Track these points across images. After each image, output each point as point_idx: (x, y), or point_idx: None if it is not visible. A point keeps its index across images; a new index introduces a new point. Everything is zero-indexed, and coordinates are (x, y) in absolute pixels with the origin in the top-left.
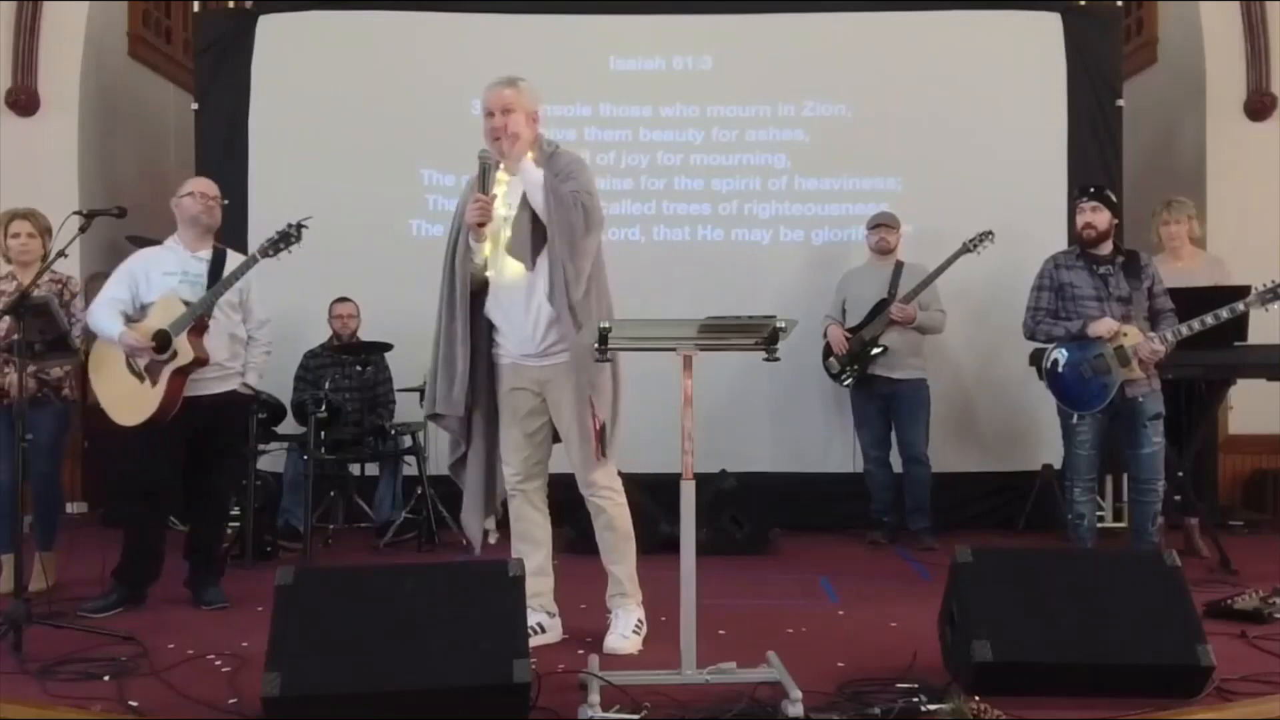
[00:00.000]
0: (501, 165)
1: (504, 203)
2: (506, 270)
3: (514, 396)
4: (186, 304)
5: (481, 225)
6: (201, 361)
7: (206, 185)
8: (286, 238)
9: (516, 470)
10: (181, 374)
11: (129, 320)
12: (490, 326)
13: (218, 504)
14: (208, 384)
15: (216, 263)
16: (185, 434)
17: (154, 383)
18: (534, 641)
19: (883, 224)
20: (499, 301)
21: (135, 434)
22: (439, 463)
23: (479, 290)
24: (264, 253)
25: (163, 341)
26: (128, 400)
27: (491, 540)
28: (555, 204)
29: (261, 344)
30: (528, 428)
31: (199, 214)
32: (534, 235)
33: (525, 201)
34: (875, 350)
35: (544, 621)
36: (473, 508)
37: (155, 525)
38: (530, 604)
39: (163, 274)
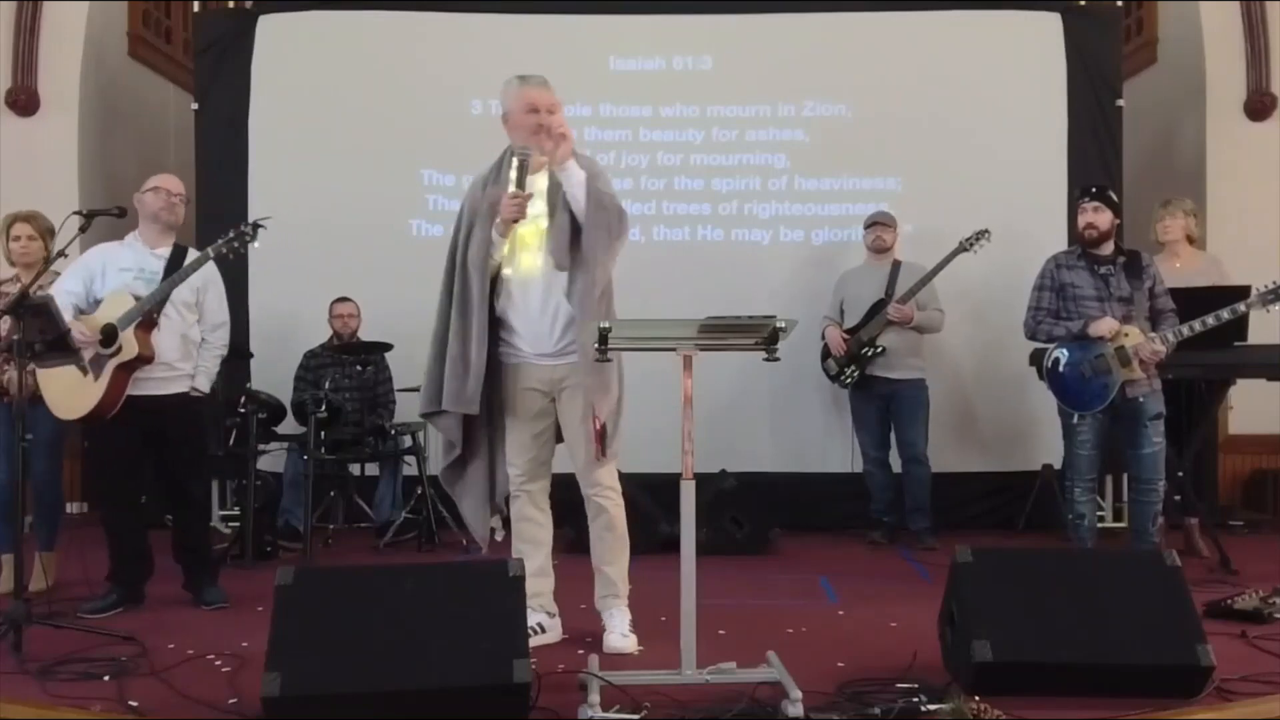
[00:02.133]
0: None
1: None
2: (523, 268)
3: (524, 396)
4: (137, 299)
5: (516, 222)
6: (147, 358)
7: (171, 181)
8: (241, 236)
9: (521, 471)
10: (125, 369)
11: (81, 314)
12: (497, 325)
13: (192, 502)
14: (155, 384)
15: (175, 261)
16: (136, 435)
17: (96, 377)
18: (534, 641)
19: (879, 223)
20: (513, 300)
21: (92, 437)
22: (439, 463)
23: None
24: (217, 251)
25: (108, 335)
26: (69, 394)
27: (498, 538)
28: (595, 206)
29: (215, 347)
30: (535, 428)
31: (159, 210)
32: (573, 236)
33: (564, 202)
34: (873, 351)
35: (544, 621)
36: (477, 507)
37: (131, 525)
38: (530, 604)
39: (119, 270)
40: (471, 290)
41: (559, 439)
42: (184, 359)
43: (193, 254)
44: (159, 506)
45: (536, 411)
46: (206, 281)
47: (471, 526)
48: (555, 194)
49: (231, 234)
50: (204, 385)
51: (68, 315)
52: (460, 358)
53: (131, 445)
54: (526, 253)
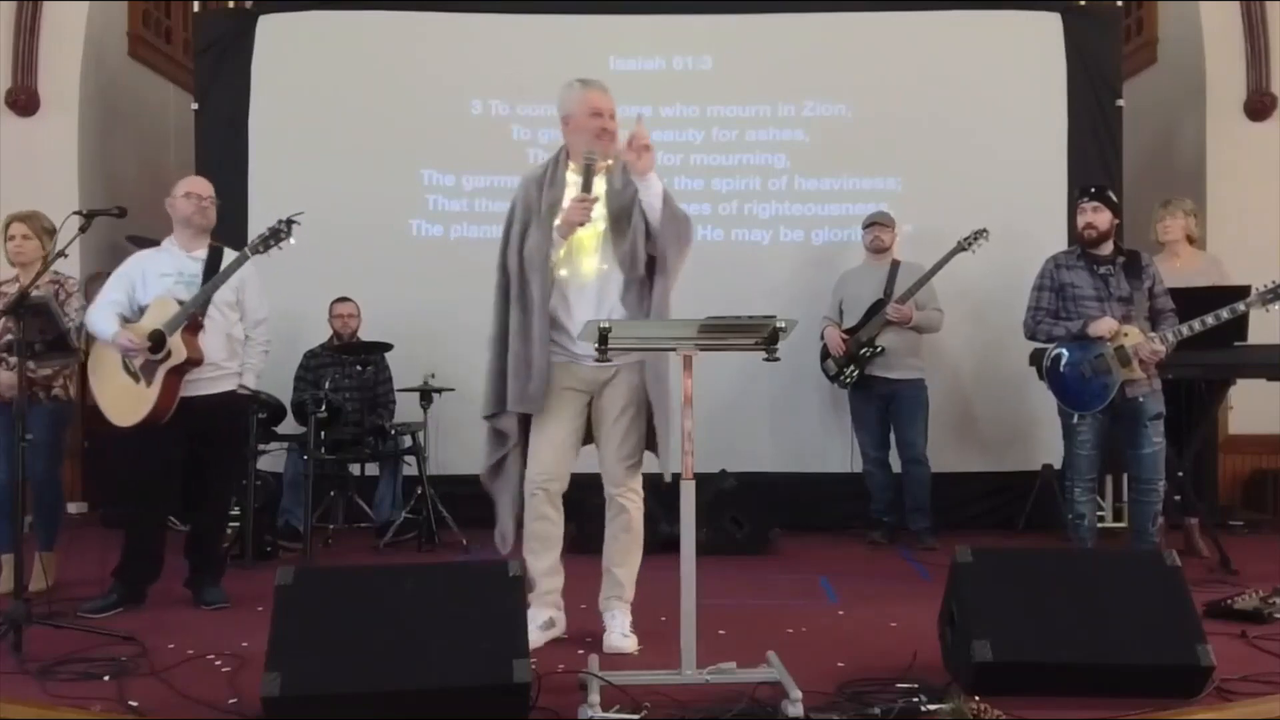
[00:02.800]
0: (570, 168)
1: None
2: (580, 271)
3: (564, 396)
4: (180, 303)
5: (581, 225)
6: (196, 361)
7: (201, 185)
8: (277, 234)
9: (545, 468)
10: (177, 373)
11: (126, 322)
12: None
13: (217, 504)
14: (204, 384)
15: (212, 262)
16: (182, 435)
17: (149, 383)
18: (549, 635)
19: (877, 223)
20: (567, 301)
21: (131, 435)
22: (439, 463)
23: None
24: (254, 249)
25: (157, 341)
26: (123, 401)
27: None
28: (670, 217)
29: (258, 344)
30: (570, 427)
31: (192, 215)
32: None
33: (640, 210)
34: (873, 351)
35: (554, 616)
36: (510, 504)
37: (153, 526)
38: (544, 600)
39: (159, 275)
40: (532, 291)
41: (586, 441)
42: (230, 358)
43: (229, 254)
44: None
45: (573, 411)
46: (244, 279)
47: (502, 523)
48: (615, 199)
49: (268, 231)
50: (251, 382)
51: (114, 325)
52: (523, 357)
53: (176, 447)
54: (584, 256)
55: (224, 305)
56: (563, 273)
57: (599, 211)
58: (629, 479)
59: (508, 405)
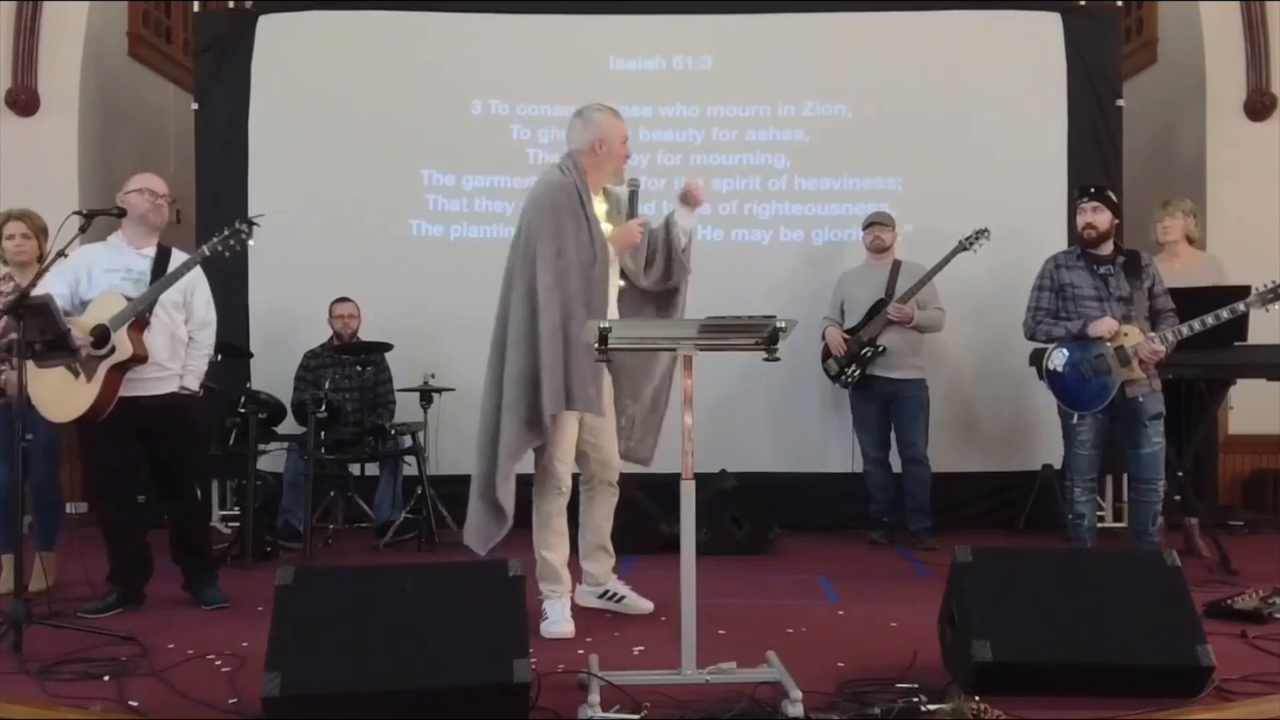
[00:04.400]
0: (604, 190)
1: (606, 221)
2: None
3: None
4: (128, 299)
5: (635, 246)
6: (141, 359)
7: (157, 182)
8: (236, 235)
9: (570, 467)
10: (119, 370)
11: (67, 315)
12: None
13: (187, 502)
14: (149, 384)
15: (160, 260)
16: (130, 434)
17: (89, 378)
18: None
19: (876, 223)
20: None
21: (90, 438)
22: (439, 463)
23: None
24: (212, 250)
25: (101, 336)
26: (60, 396)
27: None
28: (689, 244)
29: (202, 346)
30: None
31: (147, 212)
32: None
33: (672, 238)
34: (874, 351)
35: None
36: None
37: (130, 525)
38: (567, 590)
39: (104, 271)
40: (593, 306)
41: None
42: (173, 359)
43: (178, 255)
44: (158, 507)
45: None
46: (194, 281)
47: (500, 525)
48: (617, 219)
49: (226, 232)
50: (192, 384)
51: None
52: (582, 362)
53: (126, 445)
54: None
55: (170, 306)
56: None
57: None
58: (621, 465)
59: (572, 405)
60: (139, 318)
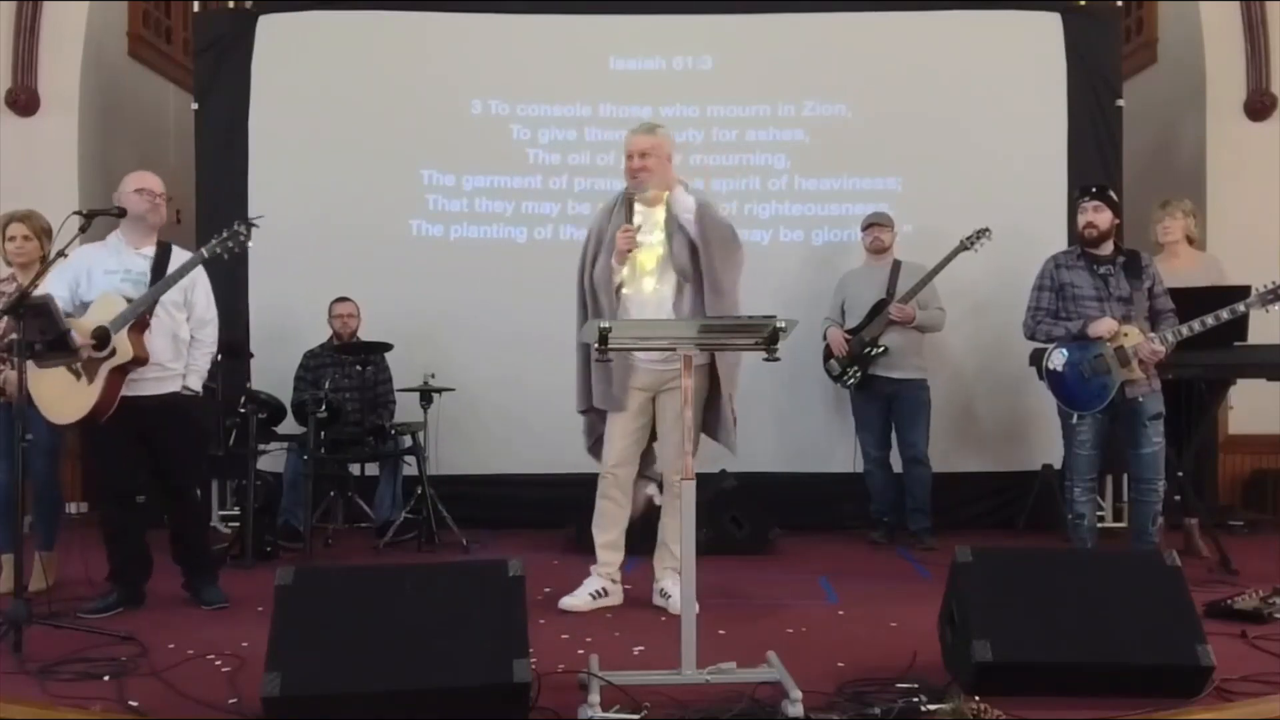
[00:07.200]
0: (638, 201)
1: (643, 231)
2: (642, 289)
3: (631, 395)
4: (129, 301)
5: (629, 251)
6: (141, 360)
7: (155, 182)
8: (235, 236)
9: (616, 455)
10: (120, 372)
11: (68, 317)
12: None
13: (188, 503)
14: (148, 385)
15: (160, 260)
16: (131, 435)
17: (90, 380)
18: (600, 603)
19: (876, 223)
20: (630, 315)
21: (92, 438)
22: (439, 463)
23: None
24: (211, 252)
25: (101, 338)
26: (62, 398)
27: (656, 501)
28: (710, 221)
29: (204, 345)
30: (637, 422)
31: (145, 212)
32: (692, 256)
33: (679, 229)
34: (875, 351)
35: (608, 587)
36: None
37: (131, 525)
38: (601, 571)
39: (104, 272)
40: (602, 309)
41: (653, 437)
42: (175, 359)
43: (178, 252)
44: (158, 507)
45: (638, 408)
46: (194, 280)
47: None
48: (672, 224)
49: (225, 234)
50: (195, 384)
51: None
52: (603, 365)
53: (128, 446)
54: (647, 276)
55: (171, 305)
56: (628, 291)
57: (660, 236)
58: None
59: (595, 403)
60: (139, 320)
